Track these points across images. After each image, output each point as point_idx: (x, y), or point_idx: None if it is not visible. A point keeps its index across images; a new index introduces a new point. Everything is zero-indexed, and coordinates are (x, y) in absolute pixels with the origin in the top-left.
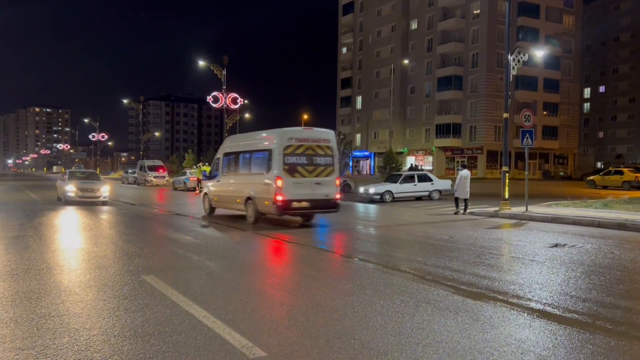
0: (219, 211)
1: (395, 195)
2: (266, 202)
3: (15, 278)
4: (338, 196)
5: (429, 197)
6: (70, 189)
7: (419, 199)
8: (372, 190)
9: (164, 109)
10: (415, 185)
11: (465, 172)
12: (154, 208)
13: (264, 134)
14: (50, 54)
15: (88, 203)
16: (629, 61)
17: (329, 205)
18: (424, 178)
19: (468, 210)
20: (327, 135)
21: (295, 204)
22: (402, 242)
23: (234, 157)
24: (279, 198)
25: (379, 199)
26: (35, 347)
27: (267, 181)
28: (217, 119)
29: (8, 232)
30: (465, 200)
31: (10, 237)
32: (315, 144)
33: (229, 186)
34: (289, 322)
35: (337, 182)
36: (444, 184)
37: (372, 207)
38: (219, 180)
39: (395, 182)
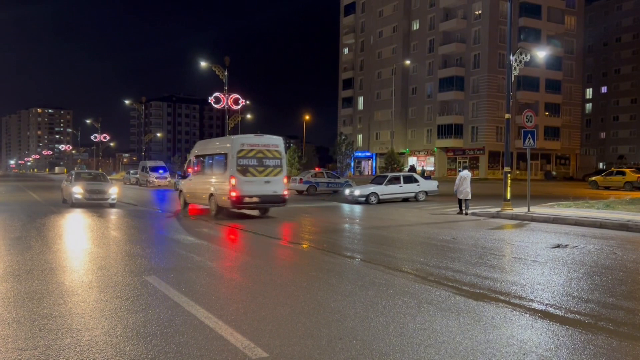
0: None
1: (380, 197)
2: (224, 198)
3: (18, 279)
4: (286, 192)
5: (415, 199)
6: (77, 190)
7: (406, 200)
8: (357, 192)
9: (166, 110)
10: (401, 186)
11: (465, 173)
12: (155, 209)
13: (223, 140)
14: (52, 55)
15: (95, 205)
16: (631, 62)
17: (277, 200)
18: (409, 179)
19: (470, 211)
20: (275, 141)
21: (247, 199)
22: (404, 242)
23: (201, 160)
24: (233, 194)
25: (364, 201)
26: (37, 348)
27: (224, 180)
28: (219, 119)
29: (11, 234)
30: (466, 200)
31: (12, 238)
32: (265, 149)
33: (197, 184)
34: (290, 323)
35: (285, 180)
36: (430, 185)
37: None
38: (190, 180)
39: (381, 183)
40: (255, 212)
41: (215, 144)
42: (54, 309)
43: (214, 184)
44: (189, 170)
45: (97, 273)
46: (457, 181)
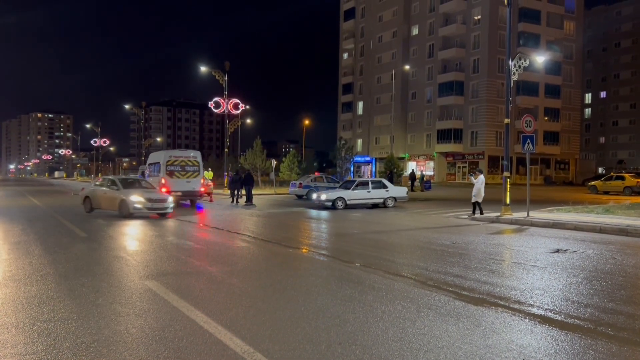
0: (223, 216)
1: (347, 202)
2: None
3: (17, 284)
4: (202, 189)
5: (383, 205)
6: (137, 199)
7: (375, 206)
8: (323, 196)
9: (166, 115)
10: (369, 192)
11: (482, 177)
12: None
13: (159, 153)
14: (52, 59)
15: (144, 215)
16: (630, 67)
17: (195, 195)
18: (378, 185)
19: (477, 214)
20: (194, 153)
21: (173, 193)
22: (404, 247)
23: (152, 165)
24: (164, 190)
25: (331, 206)
26: (36, 353)
27: (159, 180)
28: (219, 124)
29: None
30: (479, 204)
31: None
32: (186, 159)
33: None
34: (290, 328)
35: (202, 181)
36: (400, 191)
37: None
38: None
39: (349, 188)
40: (255, 219)
41: (155, 156)
42: (53, 314)
43: (154, 182)
44: (147, 172)
45: (97, 277)
46: (479, 185)
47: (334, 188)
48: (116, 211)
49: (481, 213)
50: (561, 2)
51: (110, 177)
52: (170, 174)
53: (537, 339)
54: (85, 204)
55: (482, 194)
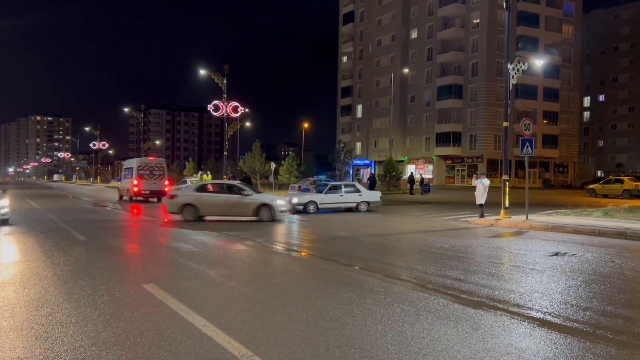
0: (215, 221)
1: (319, 206)
2: (134, 190)
3: (15, 286)
4: (166, 189)
5: (356, 209)
6: (282, 202)
7: (349, 210)
8: (295, 200)
9: (165, 118)
10: (341, 195)
11: (486, 181)
12: (153, 216)
13: (132, 160)
14: (51, 62)
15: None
16: (628, 70)
17: (159, 193)
18: (351, 188)
19: (471, 218)
20: (160, 160)
21: (142, 192)
22: (403, 250)
23: (127, 170)
24: (135, 189)
25: (302, 209)
26: (34, 356)
27: (131, 181)
28: (218, 127)
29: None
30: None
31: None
32: (154, 165)
33: (124, 184)
34: (289, 331)
35: (167, 182)
36: (373, 196)
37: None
38: (122, 181)
39: (321, 192)
40: (248, 224)
41: (130, 162)
42: (51, 317)
43: (128, 183)
44: (123, 175)
45: (95, 280)
46: (485, 188)
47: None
48: (248, 217)
49: (482, 216)
50: (560, 6)
51: (224, 182)
52: (141, 176)
53: (536, 343)
54: (185, 213)
55: (485, 196)
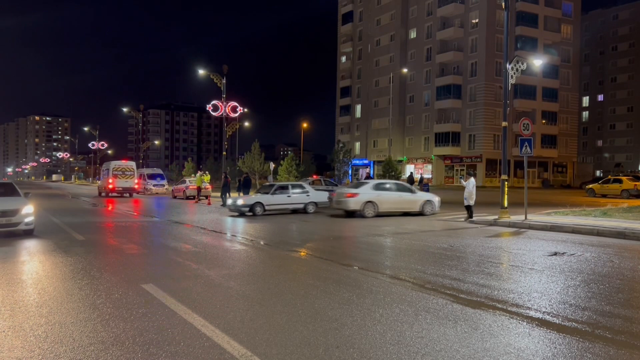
0: (212, 220)
1: (266, 207)
2: (109, 187)
3: (14, 287)
4: (136, 187)
5: (304, 211)
6: (438, 199)
7: (295, 211)
8: (240, 201)
9: (164, 118)
10: (289, 196)
11: (473, 180)
12: (153, 216)
13: (109, 162)
14: (50, 62)
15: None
16: (627, 70)
17: (130, 189)
18: (299, 189)
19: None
20: (131, 163)
21: (117, 188)
22: (402, 250)
23: (104, 171)
24: (110, 186)
25: (249, 211)
26: (33, 356)
27: (107, 180)
28: (217, 127)
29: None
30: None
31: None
32: (126, 167)
33: (102, 183)
34: (288, 331)
35: (137, 181)
36: (320, 196)
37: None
38: (100, 180)
39: (267, 192)
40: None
41: (106, 165)
42: (50, 317)
43: (105, 182)
44: (101, 175)
45: (94, 281)
46: (471, 188)
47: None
48: (415, 210)
49: (471, 217)
50: (558, 6)
51: (396, 182)
52: (115, 176)
53: (534, 342)
54: (366, 209)
55: (474, 196)
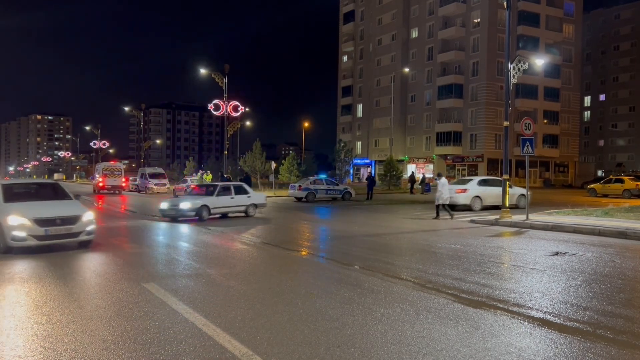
0: (216, 220)
1: (212, 211)
2: (99, 185)
3: (15, 286)
4: (124, 184)
5: (245, 214)
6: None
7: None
8: (186, 204)
9: (165, 117)
10: (232, 198)
11: (444, 180)
12: (154, 215)
13: (101, 164)
14: (52, 62)
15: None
16: (629, 70)
17: (119, 187)
18: (240, 190)
19: (468, 218)
20: (119, 165)
21: (106, 186)
22: (403, 250)
23: (96, 171)
24: (100, 184)
25: (194, 216)
26: (34, 355)
27: (97, 179)
28: (218, 126)
29: None
30: (444, 205)
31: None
32: (114, 167)
33: (95, 182)
34: (289, 331)
35: (124, 179)
36: (260, 198)
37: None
38: (94, 178)
39: (212, 194)
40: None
41: (98, 166)
42: (52, 316)
43: (96, 180)
44: (95, 175)
45: (96, 280)
46: (440, 188)
47: (338, 191)
48: (512, 204)
49: (438, 216)
50: (560, 5)
51: (495, 178)
52: (105, 176)
53: (536, 342)
54: (474, 203)
55: (445, 196)
